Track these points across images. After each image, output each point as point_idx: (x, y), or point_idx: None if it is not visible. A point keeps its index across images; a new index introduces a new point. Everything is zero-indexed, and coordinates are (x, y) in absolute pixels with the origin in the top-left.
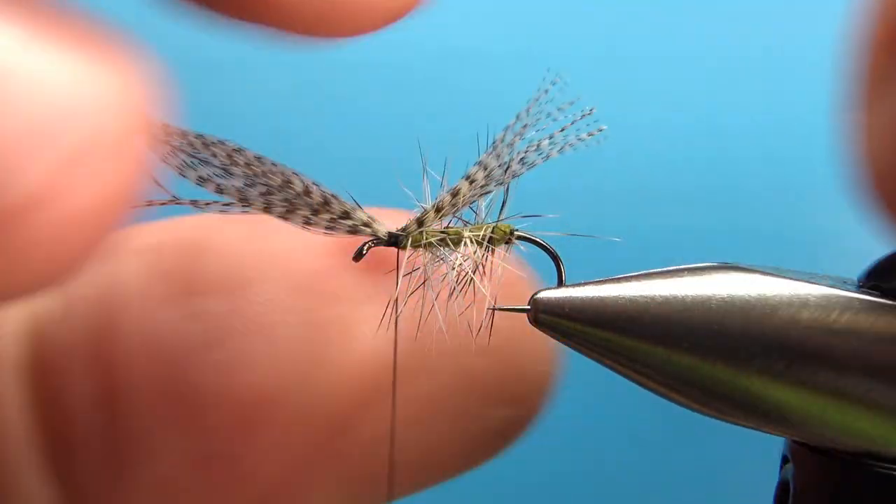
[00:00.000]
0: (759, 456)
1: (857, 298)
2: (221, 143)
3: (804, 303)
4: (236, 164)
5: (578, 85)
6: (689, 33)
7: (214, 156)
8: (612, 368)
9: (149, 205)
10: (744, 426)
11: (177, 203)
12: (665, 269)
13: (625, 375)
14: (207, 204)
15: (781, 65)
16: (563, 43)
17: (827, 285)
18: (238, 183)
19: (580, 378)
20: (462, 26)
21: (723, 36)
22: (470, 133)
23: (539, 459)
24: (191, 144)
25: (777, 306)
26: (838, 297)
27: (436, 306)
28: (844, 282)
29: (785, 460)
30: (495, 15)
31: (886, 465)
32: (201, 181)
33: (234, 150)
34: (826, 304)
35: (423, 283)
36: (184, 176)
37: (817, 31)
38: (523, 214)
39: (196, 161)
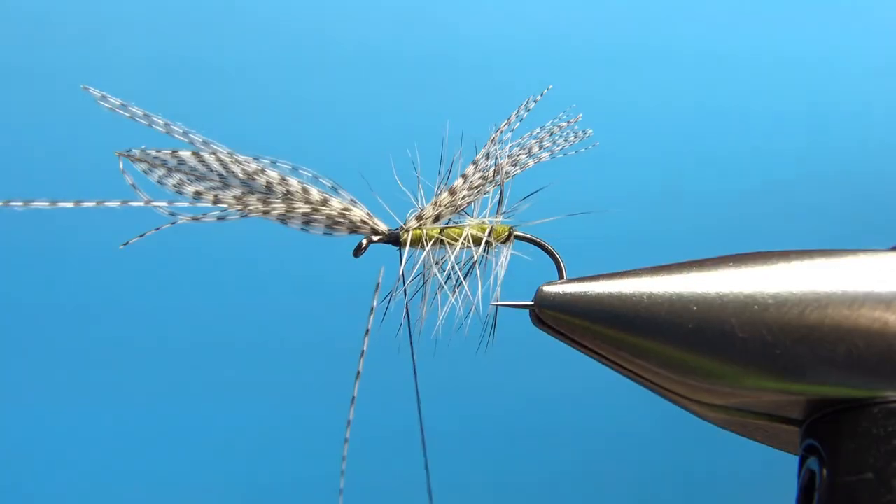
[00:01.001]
0: (760, 456)
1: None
2: (217, 149)
3: (810, 299)
4: (231, 169)
5: (578, 84)
6: (689, 32)
7: (209, 168)
8: (613, 368)
9: (156, 230)
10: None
11: (175, 222)
12: (671, 263)
13: (627, 375)
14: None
15: (781, 63)
16: (563, 41)
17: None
18: (236, 192)
19: (580, 378)
20: (460, 25)
21: (722, 35)
22: (468, 130)
23: (539, 459)
24: (183, 161)
25: (784, 302)
26: (839, 294)
27: (437, 304)
28: None
29: (804, 457)
30: (494, 14)
31: None
32: (198, 196)
33: (228, 153)
34: (827, 300)
35: (424, 282)
36: (180, 193)
37: (817, 29)
38: (520, 211)
39: (192, 177)
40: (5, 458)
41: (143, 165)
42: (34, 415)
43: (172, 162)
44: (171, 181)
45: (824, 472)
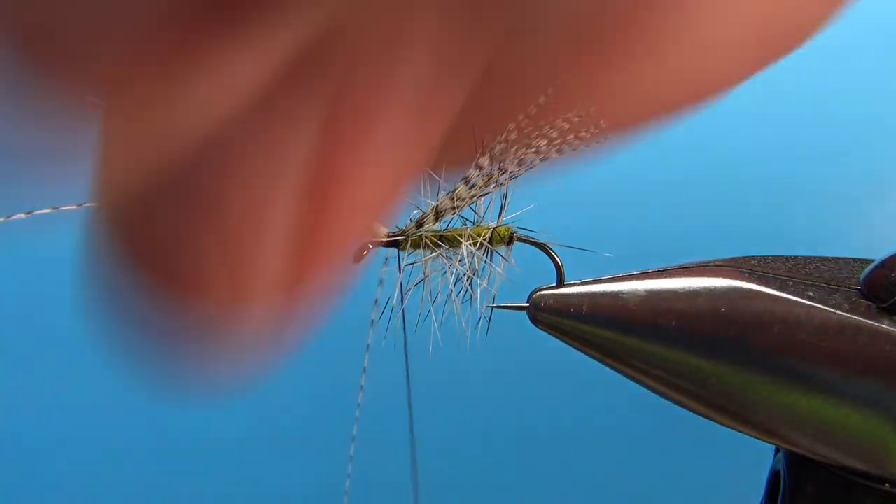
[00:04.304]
0: (758, 455)
1: (853, 319)
2: None
3: (799, 321)
4: None
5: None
6: None
7: None
8: (609, 366)
9: None
10: (738, 431)
11: None
12: (663, 268)
13: (623, 373)
14: None
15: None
16: None
17: (823, 299)
18: None
19: (580, 378)
20: None
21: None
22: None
23: (538, 459)
24: None
25: (774, 322)
26: (834, 318)
27: (433, 307)
28: (847, 279)
29: (777, 449)
30: None
31: (875, 484)
32: None
33: None
34: (822, 325)
35: (423, 281)
36: None
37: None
38: (521, 224)
39: None
40: (5, 458)
41: None
42: (34, 415)
43: None
44: None
45: (787, 480)
